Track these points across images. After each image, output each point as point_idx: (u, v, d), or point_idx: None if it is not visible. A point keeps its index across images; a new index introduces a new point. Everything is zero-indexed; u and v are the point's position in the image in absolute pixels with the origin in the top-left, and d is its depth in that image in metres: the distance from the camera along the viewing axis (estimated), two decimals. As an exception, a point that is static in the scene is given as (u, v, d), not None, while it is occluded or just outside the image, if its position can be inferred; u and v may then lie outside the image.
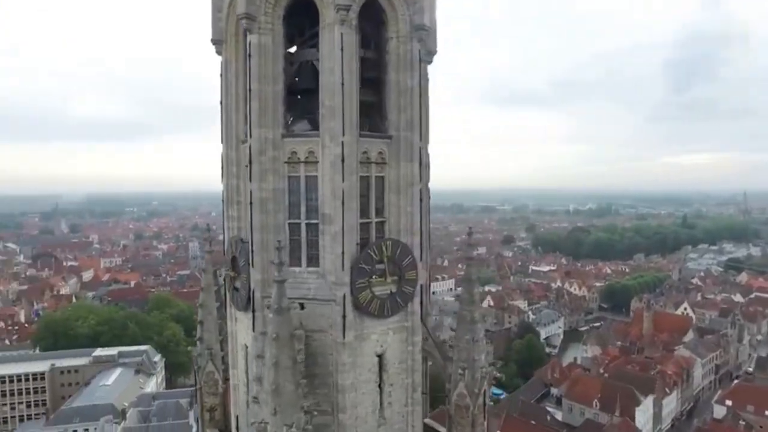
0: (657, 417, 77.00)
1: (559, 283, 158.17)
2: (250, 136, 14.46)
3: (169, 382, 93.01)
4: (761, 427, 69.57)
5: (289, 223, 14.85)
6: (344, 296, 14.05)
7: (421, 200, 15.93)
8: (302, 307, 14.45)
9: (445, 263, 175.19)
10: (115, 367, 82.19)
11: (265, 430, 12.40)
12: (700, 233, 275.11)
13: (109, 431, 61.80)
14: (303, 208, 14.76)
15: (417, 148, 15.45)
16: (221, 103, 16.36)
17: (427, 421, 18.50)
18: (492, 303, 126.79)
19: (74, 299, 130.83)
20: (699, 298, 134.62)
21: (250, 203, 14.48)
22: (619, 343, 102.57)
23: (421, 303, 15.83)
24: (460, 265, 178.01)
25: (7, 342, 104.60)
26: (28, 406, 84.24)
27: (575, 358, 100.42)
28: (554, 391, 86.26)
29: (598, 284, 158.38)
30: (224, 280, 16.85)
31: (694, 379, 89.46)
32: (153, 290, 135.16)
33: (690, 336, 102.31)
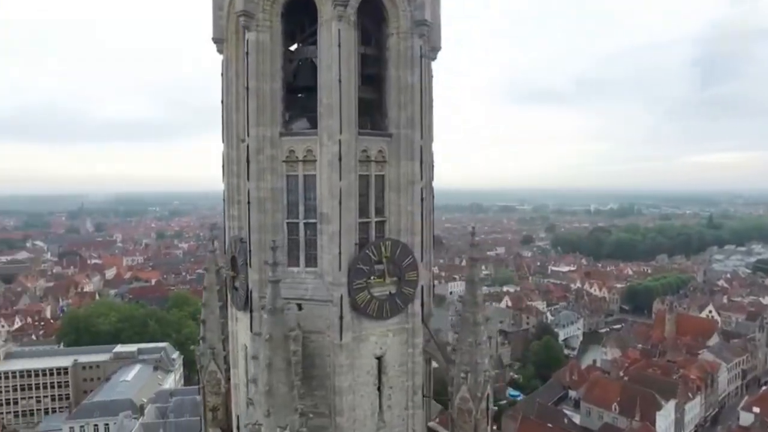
0: (679, 423, 74.92)
1: (578, 284, 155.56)
2: (248, 134, 14.35)
3: (187, 380, 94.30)
4: (790, 435, 67.14)
5: (288, 223, 14.71)
6: (341, 297, 13.82)
7: (423, 199, 15.63)
8: (300, 307, 14.29)
9: (463, 263, 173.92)
10: (134, 364, 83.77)
11: (258, 432, 12.26)
12: (726, 234, 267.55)
13: (128, 426, 62.89)
14: (301, 208, 14.60)
15: (418, 146, 15.13)
16: (222, 102, 16.31)
17: (431, 424, 18.18)
18: (510, 303, 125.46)
19: (97, 296, 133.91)
20: (725, 300, 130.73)
21: (248, 202, 14.38)
22: (639, 345, 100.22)
23: (422, 304, 15.52)
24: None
25: (33, 337, 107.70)
26: (53, 400, 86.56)
27: (594, 361, 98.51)
28: (572, 393, 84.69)
29: (618, 285, 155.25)
30: (225, 279, 16.82)
31: (719, 384, 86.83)
32: (173, 288, 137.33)
33: (715, 339, 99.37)
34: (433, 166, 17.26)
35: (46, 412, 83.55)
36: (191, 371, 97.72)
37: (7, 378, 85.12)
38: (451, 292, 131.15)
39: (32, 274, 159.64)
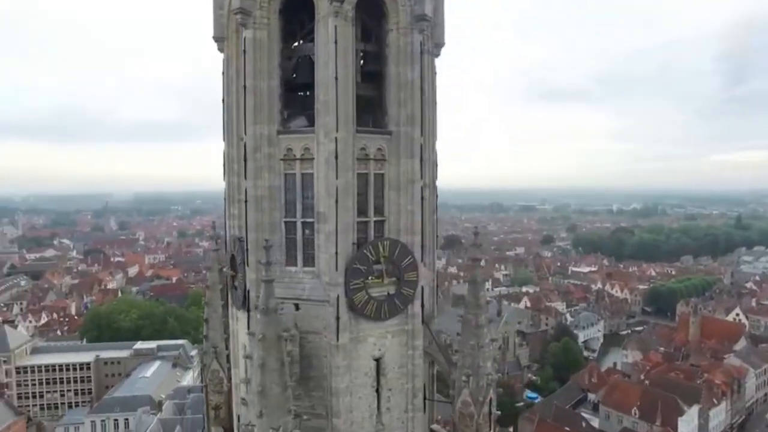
0: (703, 429, 72.79)
1: (599, 285, 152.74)
2: (246, 132, 14.25)
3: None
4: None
5: (285, 222, 14.57)
6: (338, 297, 13.62)
7: (424, 199, 15.32)
8: (297, 307, 14.14)
9: (482, 263, 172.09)
10: (154, 360, 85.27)
11: (251, 433, 12.13)
12: (755, 234, 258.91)
13: (146, 422, 63.95)
14: (299, 207, 14.44)
15: (418, 144, 14.82)
16: (223, 100, 16.22)
17: (434, 427, 17.88)
18: (529, 304, 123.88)
19: (120, 294, 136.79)
20: (753, 303, 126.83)
21: (245, 201, 14.28)
22: (662, 348, 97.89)
23: (422, 305, 15.20)
24: (497, 265, 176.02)
25: (58, 333, 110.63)
26: (76, 394, 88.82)
27: (614, 363, 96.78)
28: (591, 396, 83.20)
29: (641, 287, 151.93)
30: (225, 278, 16.79)
31: (746, 390, 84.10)
32: (192, 286, 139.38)
33: (742, 344, 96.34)
34: (436, 164, 16.92)
35: (70, 406, 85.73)
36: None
37: (33, 372, 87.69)
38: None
39: (58, 271, 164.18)
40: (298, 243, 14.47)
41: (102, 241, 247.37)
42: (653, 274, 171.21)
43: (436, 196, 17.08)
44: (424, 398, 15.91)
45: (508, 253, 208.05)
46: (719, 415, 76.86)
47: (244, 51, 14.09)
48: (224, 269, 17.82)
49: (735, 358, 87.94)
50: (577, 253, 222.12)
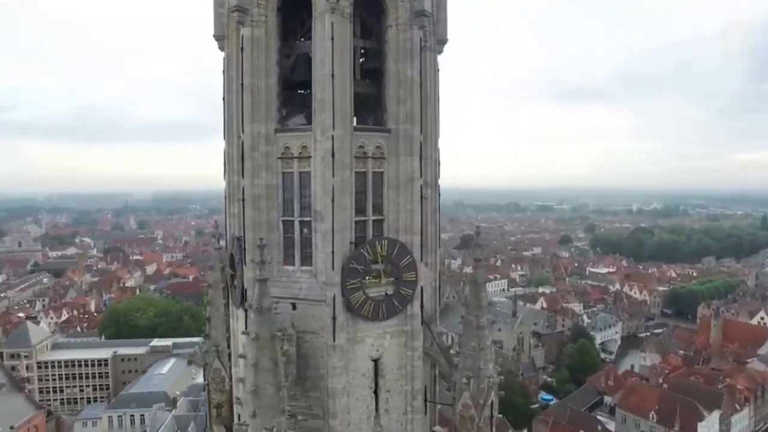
0: (723, 434, 70.89)
1: (617, 286, 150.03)
2: (243, 131, 14.18)
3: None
4: None
5: (283, 221, 14.47)
6: (334, 297, 13.46)
7: (424, 198, 15.09)
8: (294, 307, 14.03)
9: (498, 263, 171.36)
10: (169, 357, 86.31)
11: (246, 433, 12.04)
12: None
13: (161, 418, 64.79)
14: (297, 205, 14.34)
15: (417, 142, 14.60)
16: (224, 99, 16.19)
17: (437, 429, 17.62)
18: (545, 305, 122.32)
19: (138, 291, 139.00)
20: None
21: (243, 200, 14.21)
22: (681, 352, 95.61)
23: (422, 306, 14.96)
24: (513, 265, 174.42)
25: (78, 329, 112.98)
26: (94, 389, 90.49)
27: (632, 366, 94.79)
28: (608, 399, 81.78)
29: (660, 288, 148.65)
30: (226, 277, 16.76)
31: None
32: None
33: (767, 348, 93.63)
34: (438, 163, 16.68)
35: (88, 401, 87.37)
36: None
37: (53, 367, 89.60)
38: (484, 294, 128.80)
39: (79, 269, 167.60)
40: (295, 242, 14.36)
41: (121, 239, 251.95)
42: (673, 275, 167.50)
43: (439, 195, 16.83)
44: (425, 400, 15.68)
45: (524, 253, 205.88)
46: (742, 421, 74.67)
47: (242, 49, 14.02)
48: (225, 268, 17.83)
49: (759, 362, 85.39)
50: (595, 254, 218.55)
